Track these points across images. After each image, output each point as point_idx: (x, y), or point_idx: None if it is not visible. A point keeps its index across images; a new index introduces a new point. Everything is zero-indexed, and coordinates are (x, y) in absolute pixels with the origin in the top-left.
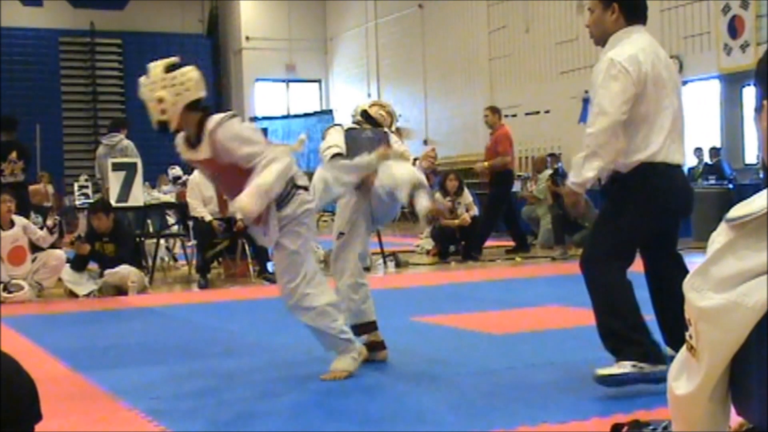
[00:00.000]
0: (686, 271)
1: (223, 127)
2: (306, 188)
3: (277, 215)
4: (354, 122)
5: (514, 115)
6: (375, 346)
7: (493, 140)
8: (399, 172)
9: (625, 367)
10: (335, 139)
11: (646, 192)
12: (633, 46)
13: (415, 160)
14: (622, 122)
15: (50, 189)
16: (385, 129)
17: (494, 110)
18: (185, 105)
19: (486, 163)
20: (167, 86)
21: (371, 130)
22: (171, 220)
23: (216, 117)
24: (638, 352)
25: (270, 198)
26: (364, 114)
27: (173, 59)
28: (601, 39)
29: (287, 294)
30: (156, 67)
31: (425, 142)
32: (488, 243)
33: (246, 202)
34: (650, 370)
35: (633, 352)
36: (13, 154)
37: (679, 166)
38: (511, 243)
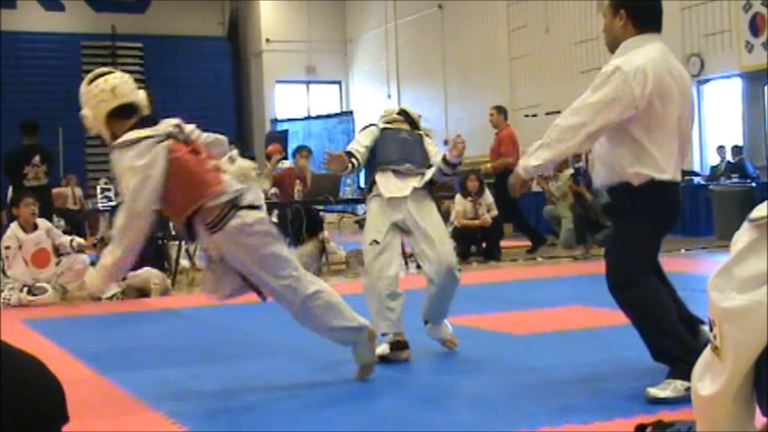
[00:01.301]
0: (668, 281)
1: (119, 151)
2: (254, 207)
3: (212, 238)
4: (386, 122)
5: (534, 115)
6: (399, 346)
7: (496, 141)
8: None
9: (678, 390)
10: (358, 139)
11: (660, 207)
12: (643, 56)
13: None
14: (593, 130)
15: (78, 192)
16: (421, 131)
17: (500, 110)
18: (106, 115)
19: (489, 165)
20: (89, 100)
21: (408, 132)
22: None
23: (126, 136)
24: (690, 369)
25: (119, 272)
26: (403, 113)
27: (100, 70)
28: (612, 45)
29: (288, 290)
30: (84, 81)
31: (445, 142)
32: (510, 243)
33: (94, 279)
34: None
35: (687, 369)
36: (36, 158)
37: (678, 184)
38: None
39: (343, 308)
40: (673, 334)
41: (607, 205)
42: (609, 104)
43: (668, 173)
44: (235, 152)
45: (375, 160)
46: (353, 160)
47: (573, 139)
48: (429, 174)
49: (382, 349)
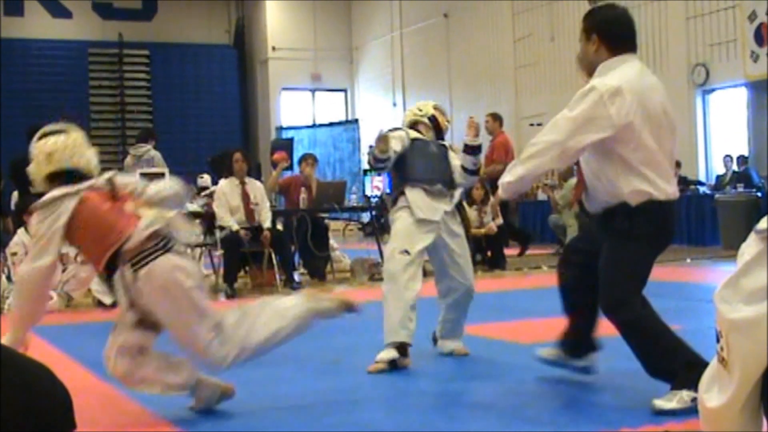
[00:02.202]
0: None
1: (35, 214)
2: (179, 252)
3: (134, 275)
4: (410, 123)
5: (540, 124)
6: (406, 352)
7: (490, 148)
8: None
9: (684, 402)
10: (392, 145)
11: (658, 228)
12: (619, 77)
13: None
14: (568, 147)
15: None
16: (446, 142)
17: (495, 117)
18: (43, 177)
19: (482, 171)
20: (33, 157)
21: (435, 144)
22: (197, 230)
23: (45, 197)
24: (693, 376)
25: (29, 323)
26: (434, 119)
27: (50, 128)
28: (588, 70)
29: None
30: (36, 135)
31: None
32: (514, 252)
33: (7, 339)
34: None
35: (689, 377)
36: None
37: (674, 203)
38: (538, 251)
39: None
40: (672, 350)
41: (603, 225)
42: (584, 123)
43: (663, 192)
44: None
45: (405, 172)
46: (390, 156)
47: (546, 155)
48: (457, 196)
49: (391, 353)
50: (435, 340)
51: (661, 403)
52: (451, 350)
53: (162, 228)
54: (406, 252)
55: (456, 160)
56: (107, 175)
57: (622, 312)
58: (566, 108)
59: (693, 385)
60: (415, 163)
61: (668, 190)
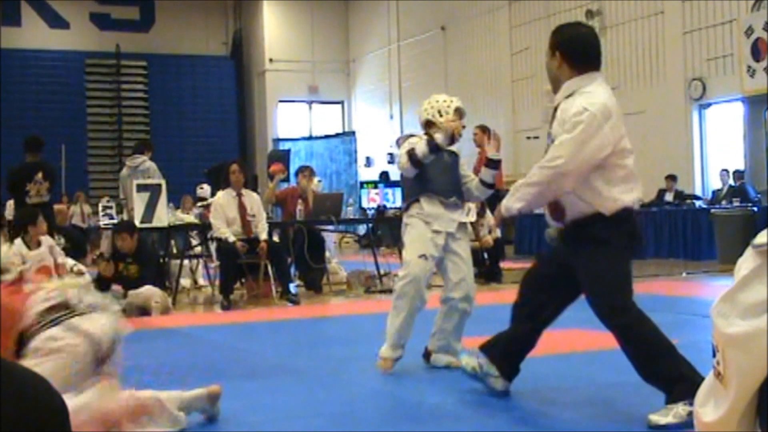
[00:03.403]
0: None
1: None
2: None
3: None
4: (425, 122)
5: (536, 137)
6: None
7: (479, 160)
8: None
9: (680, 416)
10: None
11: (629, 234)
12: (600, 95)
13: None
14: (578, 177)
15: (87, 209)
16: (456, 151)
17: (483, 129)
18: None
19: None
20: None
21: (448, 153)
22: (194, 241)
23: None
24: (688, 389)
25: None
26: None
27: None
28: (553, 84)
29: None
30: None
31: None
32: (511, 265)
33: None
34: None
35: (684, 390)
36: (39, 175)
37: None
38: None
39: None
40: (668, 355)
41: (575, 237)
42: (585, 144)
43: (632, 200)
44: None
45: (421, 181)
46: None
47: (554, 180)
48: (473, 210)
49: (398, 352)
50: (427, 356)
51: (657, 418)
52: (446, 364)
53: (59, 301)
54: (425, 257)
55: (465, 169)
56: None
57: (619, 317)
58: (563, 133)
59: (688, 398)
60: (431, 174)
61: (636, 197)
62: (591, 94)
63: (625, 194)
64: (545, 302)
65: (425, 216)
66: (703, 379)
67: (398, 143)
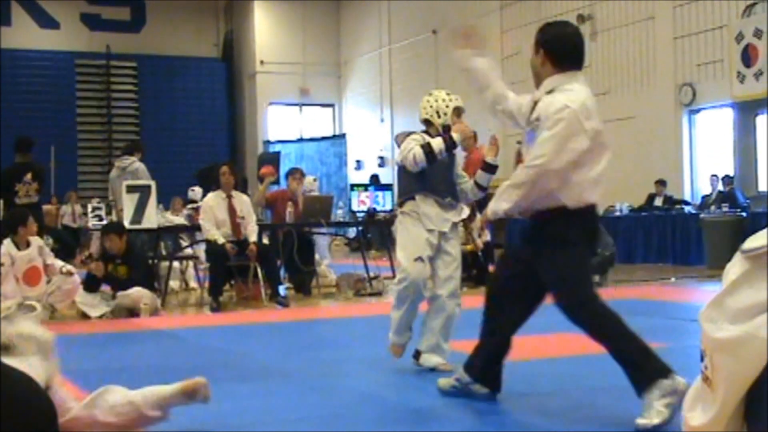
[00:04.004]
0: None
1: None
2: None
3: None
4: (424, 120)
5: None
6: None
7: (465, 164)
8: None
9: (662, 415)
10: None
11: (591, 231)
12: (578, 93)
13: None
14: (559, 173)
15: (78, 209)
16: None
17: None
18: None
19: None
20: None
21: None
22: (184, 242)
23: None
24: (656, 368)
25: None
26: (446, 129)
27: None
28: (536, 78)
29: None
30: None
31: None
32: None
33: None
34: (676, 399)
35: (652, 369)
36: (28, 176)
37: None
38: None
39: None
40: (634, 338)
41: (538, 231)
42: (566, 140)
43: (595, 197)
44: None
45: (418, 179)
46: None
47: (539, 179)
48: (466, 210)
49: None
50: (417, 356)
51: (645, 422)
52: (434, 365)
53: None
54: (421, 259)
55: (460, 169)
56: None
57: (585, 310)
58: (544, 130)
59: (654, 381)
60: (430, 173)
61: (599, 195)
62: (572, 92)
63: (591, 191)
64: (514, 307)
65: (420, 214)
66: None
67: (397, 141)
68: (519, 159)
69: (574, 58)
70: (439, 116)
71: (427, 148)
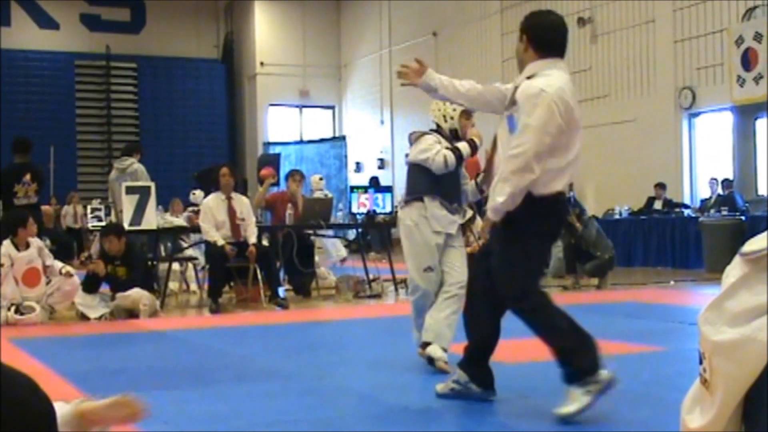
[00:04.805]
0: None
1: None
2: None
3: None
4: (436, 125)
5: None
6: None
7: (465, 165)
8: None
9: (581, 401)
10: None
11: (557, 218)
12: (556, 80)
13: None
14: (540, 155)
15: (80, 210)
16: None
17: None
18: None
19: None
20: None
21: None
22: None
23: None
24: (586, 367)
25: None
26: (454, 132)
27: None
28: (519, 66)
29: None
30: None
31: None
32: None
33: None
34: (598, 388)
35: (583, 367)
36: (27, 176)
37: (565, 195)
38: None
39: None
40: (570, 335)
41: (506, 219)
42: (545, 125)
43: (563, 186)
44: None
45: (428, 180)
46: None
47: (527, 166)
48: (469, 212)
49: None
50: (424, 347)
51: (565, 410)
52: (438, 358)
53: None
54: (430, 268)
55: (467, 180)
56: None
57: (527, 302)
58: (522, 115)
59: (584, 375)
60: (441, 176)
61: (566, 184)
62: (550, 77)
63: (559, 179)
64: (493, 301)
65: (428, 217)
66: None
67: (410, 139)
68: (494, 146)
69: (556, 45)
70: (445, 120)
71: (457, 152)
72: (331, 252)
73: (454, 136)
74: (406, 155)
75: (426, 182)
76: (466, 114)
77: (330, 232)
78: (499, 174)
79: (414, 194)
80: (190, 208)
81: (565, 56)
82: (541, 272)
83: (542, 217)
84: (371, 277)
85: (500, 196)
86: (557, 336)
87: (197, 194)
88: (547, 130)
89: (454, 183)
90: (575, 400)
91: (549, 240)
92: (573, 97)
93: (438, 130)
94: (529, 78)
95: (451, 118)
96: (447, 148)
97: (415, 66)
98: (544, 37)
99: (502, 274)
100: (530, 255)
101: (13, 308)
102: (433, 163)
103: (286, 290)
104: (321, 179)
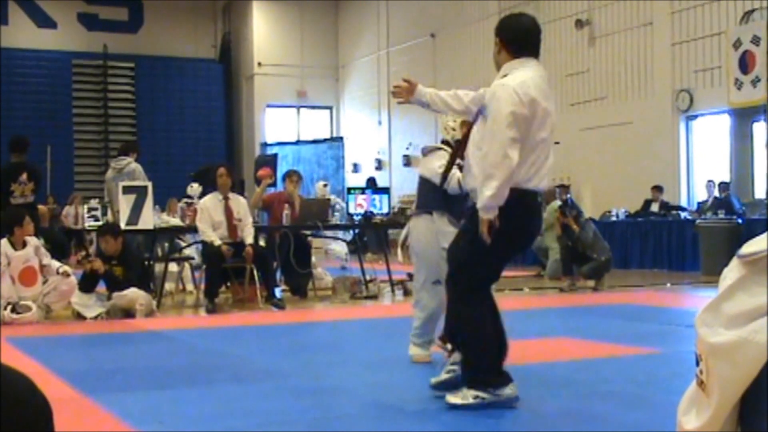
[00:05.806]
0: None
1: None
2: None
3: None
4: (443, 140)
5: None
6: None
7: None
8: None
9: (467, 400)
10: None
11: (525, 216)
12: (522, 74)
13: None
14: (513, 141)
15: (81, 210)
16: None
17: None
18: None
19: None
20: None
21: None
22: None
23: None
24: (491, 381)
25: None
26: (458, 144)
27: None
28: (496, 68)
29: None
30: None
31: None
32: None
33: None
34: (491, 400)
35: (483, 381)
36: (24, 176)
37: (539, 194)
38: (520, 273)
39: None
40: (489, 346)
41: (472, 212)
42: (510, 115)
43: (532, 183)
44: None
45: (439, 197)
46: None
47: (507, 156)
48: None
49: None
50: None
51: (455, 400)
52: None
53: None
54: (438, 282)
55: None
56: None
57: (459, 305)
58: (492, 111)
59: (482, 387)
60: (449, 195)
61: (538, 183)
62: (517, 73)
63: (533, 179)
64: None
65: (437, 232)
66: (502, 373)
67: (423, 152)
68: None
69: (527, 45)
70: (447, 132)
71: None
72: (340, 253)
73: (459, 146)
74: (404, 156)
75: (436, 198)
76: (467, 123)
77: (339, 233)
78: (480, 174)
79: (424, 208)
80: (185, 199)
81: (539, 56)
82: (490, 282)
83: (511, 213)
84: (368, 278)
85: (488, 190)
86: (476, 341)
87: (194, 187)
88: (509, 120)
89: (461, 200)
90: (463, 398)
91: (511, 241)
92: (540, 91)
93: (447, 142)
94: (502, 77)
95: (453, 129)
96: (459, 166)
97: (405, 84)
98: (515, 39)
99: (455, 265)
100: (485, 251)
101: (9, 307)
102: (444, 182)
103: (283, 291)
104: (325, 185)
